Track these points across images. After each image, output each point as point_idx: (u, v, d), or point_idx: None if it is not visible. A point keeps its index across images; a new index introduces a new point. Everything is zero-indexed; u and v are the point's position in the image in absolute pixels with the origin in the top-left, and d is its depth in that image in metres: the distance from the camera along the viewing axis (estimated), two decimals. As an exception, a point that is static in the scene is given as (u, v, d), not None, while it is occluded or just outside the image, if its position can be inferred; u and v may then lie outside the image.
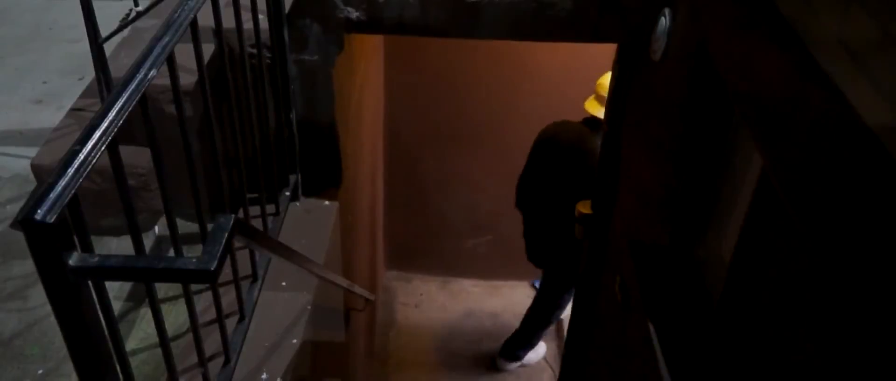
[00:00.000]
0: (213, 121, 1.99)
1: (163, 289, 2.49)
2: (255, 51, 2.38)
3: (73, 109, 2.83)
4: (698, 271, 2.40)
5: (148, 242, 2.65)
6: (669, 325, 2.27)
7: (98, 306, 1.14)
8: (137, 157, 2.60)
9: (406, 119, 5.60)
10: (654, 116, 2.50)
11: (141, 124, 1.55)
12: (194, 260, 1.04)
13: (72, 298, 1.08)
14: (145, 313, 2.42)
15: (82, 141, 1.14)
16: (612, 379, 3.16)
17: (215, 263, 1.04)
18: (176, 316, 2.37)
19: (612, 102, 2.90)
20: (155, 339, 1.70)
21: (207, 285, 1.25)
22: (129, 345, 2.29)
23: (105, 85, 2.84)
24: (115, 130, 1.19)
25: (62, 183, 1.05)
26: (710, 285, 2.32)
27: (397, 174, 5.89)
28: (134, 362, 2.22)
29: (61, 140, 2.67)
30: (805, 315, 1.65)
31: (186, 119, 1.82)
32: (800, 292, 1.69)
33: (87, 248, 1.10)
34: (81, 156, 1.10)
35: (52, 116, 3.09)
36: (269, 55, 2.45)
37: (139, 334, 2.35)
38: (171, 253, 2.53)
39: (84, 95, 2.85)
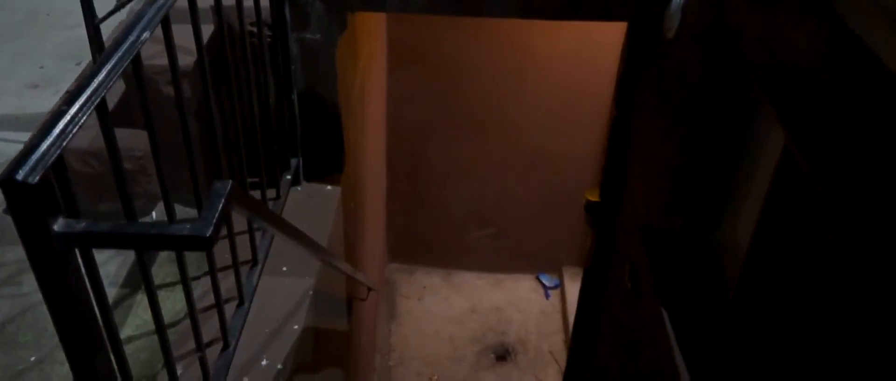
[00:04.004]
0: (213, 102, 1.92)
1: (160, 275, 2.43)
2: (255, 29, 2.31)
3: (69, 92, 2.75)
4: (713, 255, 2.33)
5: (145, 227, 2.58)
6: (684, 312, 2.20)
7: (86, 278, 1.06)
8: (135, 140, 2.53)
9: (409, 107, 5.53)
10: (667, 96, 2.43)
11: (138, 107, 1.49)
12: (188, 226, 0.97)
13: (58, 267, 1.01)
14: (141, 299, 2.36)
15: (69, 101, 1.07)
16: (620, 371, 3.08)
17: (211, 228, 0.96)
18: (173, 303, 2.31)
19: (621, 84, 2.83)
20: (151, 326, 1.63)
21: (203, 251, 1.17)
22: (125, 332, 2.22)
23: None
24: (105, 91, 1.12)
25: (47, 143, 0.98)
26: (725, 269, 2.25)
27: (399, 164, 5.83)
28: (130, 349, 2.16)
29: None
30: (832, 298, 1.57)
31: (185, 100, 1.75)
32: (826, 274, 1.62)
33: (74, 213, 1.03)
34: (68, 116, 1.03)
35: (48, 101, 3.02)
36: (269, 34, 2.38)
37: (135, 321, 2.28)
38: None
39: (78, 79, 2.79)
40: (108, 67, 1.15)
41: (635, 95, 2.77)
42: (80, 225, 0.98)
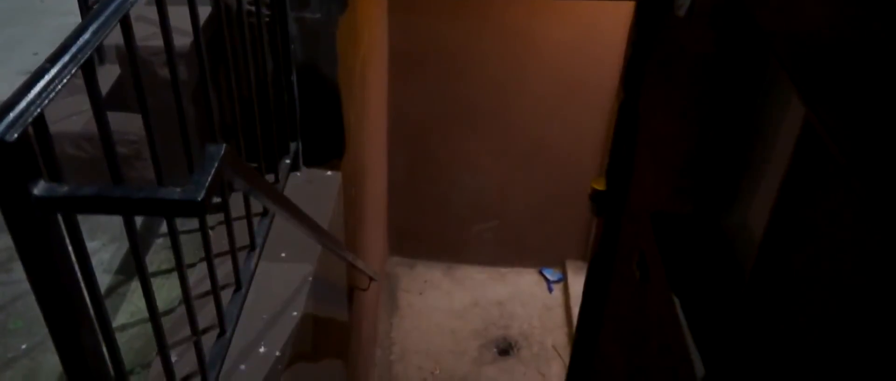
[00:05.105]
0: (209, 84, 1.85)
1: (155, 263, 2.37)
2: (253, 8, 2.24)
3: (63, 76, 2.70)
4: (726, 240, 2.26)
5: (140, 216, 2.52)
6: (696, 298, 2.13)
7: (71, 247, 0.99)
8: (129, 123, 2.47)
9: (410, 99, 5.45)
10: (678, 76, 2.36)
11: (133, 91, 1.43)
12: (179, 190, 0.90)
13: (39, 236, 0.93)
14: (136, 287, 2.29)
15: (53, 59, 1.00)
16: (627, 363, 3.02)
17: (203, 193, 0.89)
18: (169, 290, 2.25)
19: (629, 67, 2.75)
20: (145, 314, 1.57)
21: (195, 217, 1.11)
22: (119, 320, 2.16)
23: (96, 51, 2.71)
24: (91, 50, 1.05)
25: (27, 99, 0.91)
26: (739, 253, 2.18)
27: (400, 156, 5.75)
28: (123, 337, 2.09)
29: (50, 106, 2.55)
30: (856, 280, 1.50)
31: (181, 83, 1.68)
32: (850, 254, 1.54)
33: (57, 177, 0.95)
34: (50, 74, 0.96)
35: (41, 85, 2.94)
36: (268, 13, 2.31)
37: (130, 308, 2.22)
38: (164, 227, 2.40)
39: (74, 60, 2.71)
40: (96, 25, 1.08)
41: (644, 77, 2.70)
42: (63, 189, 0.91)
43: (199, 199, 0.89)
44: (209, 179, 0.92)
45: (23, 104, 0.90)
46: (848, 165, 1.37)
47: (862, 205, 1.46)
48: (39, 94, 0.93)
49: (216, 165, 0.94)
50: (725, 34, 2.04)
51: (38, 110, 0.92)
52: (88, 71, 1.06)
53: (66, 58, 1.01)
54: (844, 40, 1.41)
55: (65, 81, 0.98)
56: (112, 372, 1.26)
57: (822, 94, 1.50)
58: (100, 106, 1.15)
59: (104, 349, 1.20)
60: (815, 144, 1.68)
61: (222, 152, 0.98)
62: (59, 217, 0.95)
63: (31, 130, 0.90)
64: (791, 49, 1.64)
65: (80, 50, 1.03)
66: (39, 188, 0.91)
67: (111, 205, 0.92)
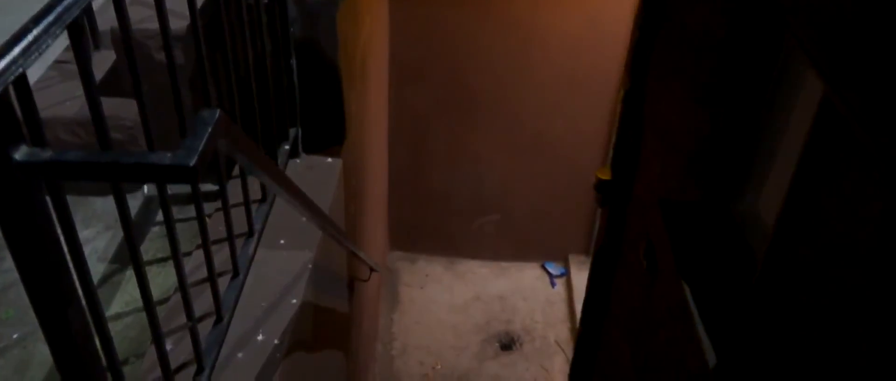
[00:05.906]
0: (207, 68, 1.80)
1: (151, 251, 2.32)
2: (252, -11, 2.18)
3: (57, 62, 2.67)
4: (736, 227, 2.20)
5: (135, 203, 2.47)
6: (707, 287, 2.07)
7: (55, 218, 0.93)
8: (124, 108, 2.42)
9: (411, 91, 5.40)
10: (686, 58, 2.30)
11: (129, 77, 1.37)
12: (170, 155, 0.84)
13: (21, 205, 0.88)
14: (131, 276, 2.25)
15: (37, 20, 0.94)
16: (634, 355, 2.96)
17: (195, 158, 0.84)
18: (165, 278, 2.19)
19: (635, 51, 2.69)
20: (140, 303, 1.52)
21: (187, 183, 1.06)
22: (113, 309, 2.11)
23: (91, 36, 2.66)
24: (79, 11, 0.99)
25: (8, 58, 0.85)
26: (751, 240, 2.12)
27: (401, 149, 5.69)
28: (117, 326, 2.04)
29: (44, 92, 2.51)
30: (879, 265, 1.44)
31: (178, 67, 1.63)
32: (871, 238, 1.49)
33: (40, 142, 0.90)
34: (33, 33, 0.90)
35: (35, 71, 2.92)
36: (266, -6, 2.25)
37: (124, 297, 2.17)
38: (160, 216, 2.35)
39: (68, 47, 2.67)
40: (83, -14, 1.02)
41: (650, 61, 2.64)
42: (46, 153, 0.85)
43: (191, 164, 0.84)
44: (202, 144, 0.86)
45: (2, 64, 0.84)
46: (872, 146, 1.31)
47: (884, 188, 1.40)
48: (22, 53, 0.87)
49: (209, 130, 0.89)
50: (736, 14, 1.98)
51: (20, 70, 0.86)
52: (75, 32, 1.00)
53: (50, 18, 0.95)
54: (867, 14, 1.36)
55: (50, 42, 0.92)
56: (104, 361, 1.21)
57: (843, 72, 1.44)
58: (88, 70, 1.09)
59: (96, 338, 1.15)
60: (833, 126, 1.62)
61: (216, 117, 0.92)
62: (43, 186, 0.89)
63: (12, 91, 0.84)
64: (810, 25, 1.58)
65: (65, 10, 0.97)
66: (21, 153, 0.85)
67: (99, 171, 0.86)
